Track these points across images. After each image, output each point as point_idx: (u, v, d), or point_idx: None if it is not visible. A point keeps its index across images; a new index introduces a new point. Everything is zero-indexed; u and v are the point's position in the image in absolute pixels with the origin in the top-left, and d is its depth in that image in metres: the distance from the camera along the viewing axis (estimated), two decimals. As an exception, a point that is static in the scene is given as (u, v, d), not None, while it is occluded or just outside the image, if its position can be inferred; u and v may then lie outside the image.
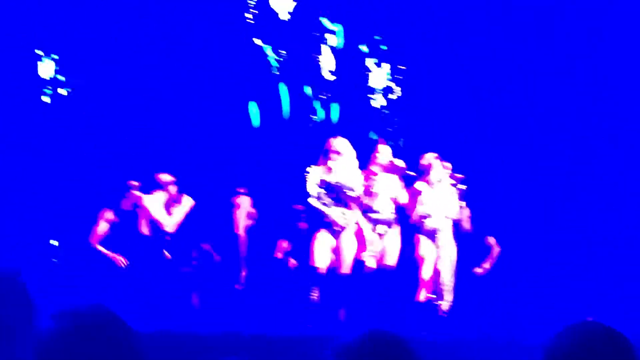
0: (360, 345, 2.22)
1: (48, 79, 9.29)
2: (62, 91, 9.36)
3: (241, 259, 8.77)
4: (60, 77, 9.36)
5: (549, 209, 10.39)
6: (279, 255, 8.90)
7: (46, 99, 9.30)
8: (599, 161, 10.42)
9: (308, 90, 10.16)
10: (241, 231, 8.78)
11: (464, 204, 8.80)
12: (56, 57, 9.34)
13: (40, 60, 9.29)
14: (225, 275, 8.64)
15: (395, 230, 8.49)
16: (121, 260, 8.35)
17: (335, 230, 8.09)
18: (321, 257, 8.04)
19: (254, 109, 9.94)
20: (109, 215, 8.53)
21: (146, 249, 8.36)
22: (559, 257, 10.15)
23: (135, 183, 8.67)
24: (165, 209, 8.49)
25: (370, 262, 8.33)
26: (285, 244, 8.97)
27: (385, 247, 8.45)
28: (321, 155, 8.23)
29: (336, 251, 8.13)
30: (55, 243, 8.68)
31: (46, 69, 9.28)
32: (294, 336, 6.91)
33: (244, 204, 8.86)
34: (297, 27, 10.24)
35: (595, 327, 2.29)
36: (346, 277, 8.17)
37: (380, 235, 8.42)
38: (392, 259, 8.49)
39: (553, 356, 2.27)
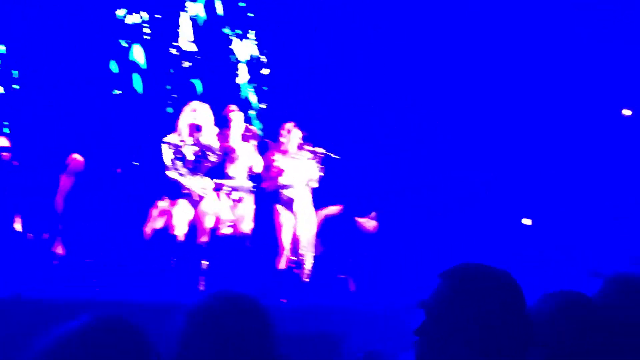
0: (208, 305, 2.26)
1: None
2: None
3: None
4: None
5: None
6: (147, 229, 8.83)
7: None
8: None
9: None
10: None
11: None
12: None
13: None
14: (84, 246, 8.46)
15: (250, 198, 8.54)
16: None
17: (193, 199, 8.07)
18: (180, 226, 8.02)
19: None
20: None
21: None
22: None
23: None
24: None
25: (226, 230, 8.34)
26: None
27: (241, 214, 8.48)
28: (177, 121, 8.18)
29: (195, 220, 8.12)
30: None
31: None
32: (152, 303, 6.88)
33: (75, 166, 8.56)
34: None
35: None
36: (205, 245, 8.18)
37: (234, 202, 8.44)
38: (247, 226, 8.54)
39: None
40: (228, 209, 8.36)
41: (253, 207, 8.56)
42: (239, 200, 8.47)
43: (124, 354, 1.72)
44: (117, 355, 1.71)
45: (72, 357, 1.69)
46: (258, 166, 8.58)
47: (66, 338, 1.73)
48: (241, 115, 8.62)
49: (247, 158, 8.52)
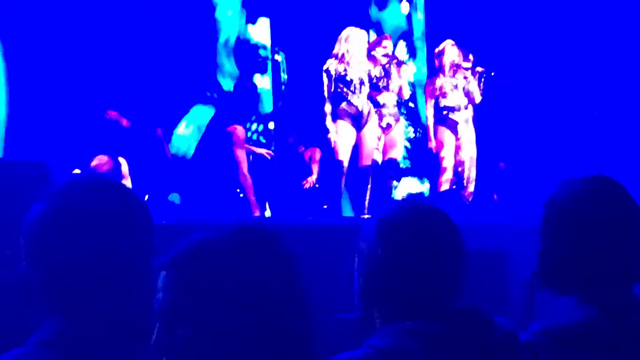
0: (399, 216, 2.18)
1: None
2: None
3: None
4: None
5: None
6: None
7: None
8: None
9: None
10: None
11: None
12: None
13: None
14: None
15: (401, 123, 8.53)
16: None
17: (356, 123, 8.05)
18: (344, 150, 8.00)
19: None
20: None
21: None
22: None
23: None
24: None
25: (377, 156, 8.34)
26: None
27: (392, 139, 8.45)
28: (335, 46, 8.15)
29: (358, 144, 8.10)
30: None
31: None
32: (325, 225, 7.02)
33: None
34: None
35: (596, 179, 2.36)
36: (368, 168, 8.22)
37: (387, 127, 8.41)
38: (398, 152, 8.54)
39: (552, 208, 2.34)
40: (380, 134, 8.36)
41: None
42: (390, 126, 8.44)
43: (265, 264, 1.62)
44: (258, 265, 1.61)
45: (211, 262, 1.60)
46: (406, 92, 8.50)
47: (206, 242, 1.64)
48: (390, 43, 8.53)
49: (395, 84, 8.39)
